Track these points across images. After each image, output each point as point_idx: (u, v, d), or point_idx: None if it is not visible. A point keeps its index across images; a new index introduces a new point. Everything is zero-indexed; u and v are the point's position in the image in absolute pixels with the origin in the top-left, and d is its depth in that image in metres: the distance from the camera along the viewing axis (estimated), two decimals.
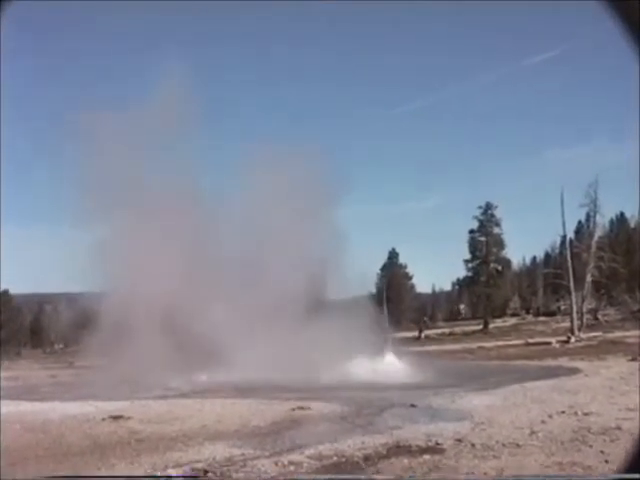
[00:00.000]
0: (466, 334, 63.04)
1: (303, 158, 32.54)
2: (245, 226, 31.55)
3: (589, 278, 54.74)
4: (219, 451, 11.77)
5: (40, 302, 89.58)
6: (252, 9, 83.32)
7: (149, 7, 67.86)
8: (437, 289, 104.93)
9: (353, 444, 11.90)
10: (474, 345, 45.29)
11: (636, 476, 4.74)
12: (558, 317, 64.92)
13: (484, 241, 69.38)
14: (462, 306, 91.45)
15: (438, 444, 11.54)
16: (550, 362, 29.79)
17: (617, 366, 25.03)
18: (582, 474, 9.12)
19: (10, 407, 18.01)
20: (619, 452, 9.85)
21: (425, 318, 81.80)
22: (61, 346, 74.63)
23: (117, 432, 14.21)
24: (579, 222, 63.66)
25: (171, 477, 9.74)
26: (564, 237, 56.13)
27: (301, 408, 16.62)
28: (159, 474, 10.06)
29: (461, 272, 74.71)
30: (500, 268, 70.61)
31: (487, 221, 69.20)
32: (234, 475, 10.04)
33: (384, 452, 11.22)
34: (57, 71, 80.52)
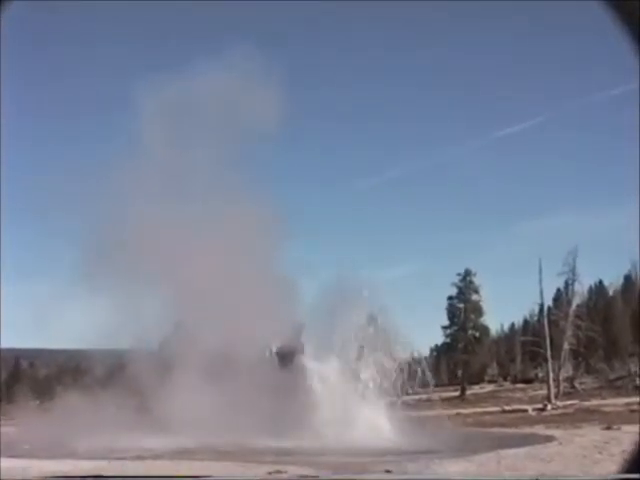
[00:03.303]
0: (443, 400, 62.94)
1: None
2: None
3: (566, 346, 55.17)
4: None
5: (17, 357, 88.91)
6: None
7: None
8: (415, 355, 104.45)
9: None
10: (451, 411, 45.33)
11: (636, 476, 4.93)
12: (535, 384, 65.01)
13: (462, 308, 69.64)
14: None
15: None
16: (526, 430, 29.91)
17: (592, 434, 25.16)
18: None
19: None
20: None
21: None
22: (37, 402, 73.99)
23: None
24: (557, 290, 64.13)
25: (171, 477, 9.78)
26: (542, 305, 56.76)
27: (278, 472, 16.69)
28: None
29: (439, 338, 74.83)
30: (478, 335, 70.67)
31: (466, 288, 69.55)
32: None
33: None
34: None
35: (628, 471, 5.26)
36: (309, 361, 30.18)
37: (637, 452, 6.37)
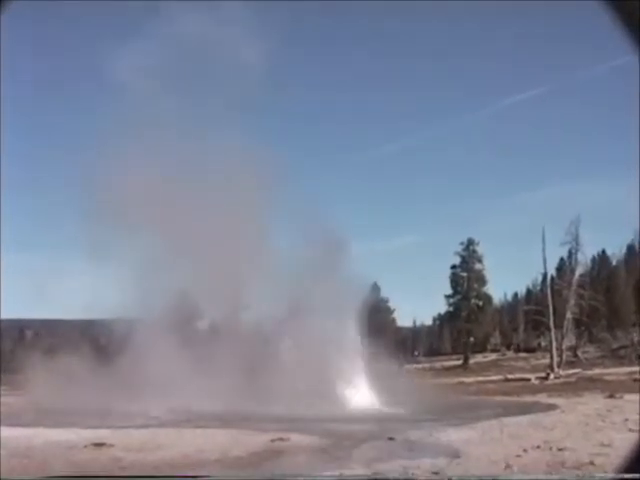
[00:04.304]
0: (446, 369, 63.29)
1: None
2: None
3: (569, 315, 55.14)
4: None
5: (21, 327, 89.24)
6: None
7: None
8: (418, 323, 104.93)
9: (331, 475, 12.11)
10: (454, 380, 45.52)
11: (636, 476, 4.91)
12: (538, 353, 65.22)
13: (465, 277, 69.65)
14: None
15: (415, 476, 11.76)
16: (528, 398, 30.03)
17: (594, 403, 25.29)
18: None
19: None
20: None
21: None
22: (42, 372, 74.24)
23: (100, 459, 14.36)
24: (561, 259, 64.21)
25: (172, 477, 9.83)
26: (545, 274, 56.79)
27: (281, 439, 16.77)
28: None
29: (442, 307, 74.95)
30: (481, 304, 70.75)
31: (469, 257, 69.53)
32: None
33: None
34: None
35: (628, 471, 5.24)
36: (303, 328, 30.10)
37: (637, 452, 6.36)
